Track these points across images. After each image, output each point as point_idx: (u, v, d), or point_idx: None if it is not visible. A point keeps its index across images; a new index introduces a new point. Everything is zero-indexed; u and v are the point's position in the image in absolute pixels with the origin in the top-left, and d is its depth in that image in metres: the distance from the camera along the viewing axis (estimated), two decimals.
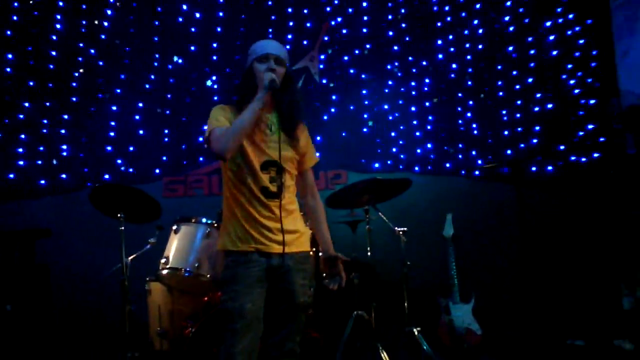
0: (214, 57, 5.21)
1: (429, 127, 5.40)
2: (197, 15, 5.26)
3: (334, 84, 5.37)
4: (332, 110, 5.33)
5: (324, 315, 4.82)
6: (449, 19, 5.49)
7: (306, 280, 2.58)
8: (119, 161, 5.04)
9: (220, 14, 5.29)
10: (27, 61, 4.99)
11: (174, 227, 3.63)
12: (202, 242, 3.53)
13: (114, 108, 5.08)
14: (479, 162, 5.36)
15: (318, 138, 5.27)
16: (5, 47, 4.97)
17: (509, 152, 5.35)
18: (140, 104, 5.10)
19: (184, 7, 5.25)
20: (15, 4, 5.01)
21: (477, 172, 5.33)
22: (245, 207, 2.52)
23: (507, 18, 5.42)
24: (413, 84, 5.42)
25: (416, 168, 5.36)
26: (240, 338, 2.36)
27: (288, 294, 2.51)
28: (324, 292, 4.27)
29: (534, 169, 5.36)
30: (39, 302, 4.66)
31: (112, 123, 5.06)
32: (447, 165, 5.40)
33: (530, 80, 5.42)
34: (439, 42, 5.47)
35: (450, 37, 5.47)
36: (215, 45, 5.24)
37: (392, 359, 3.78)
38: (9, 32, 4.99)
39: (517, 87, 5.42)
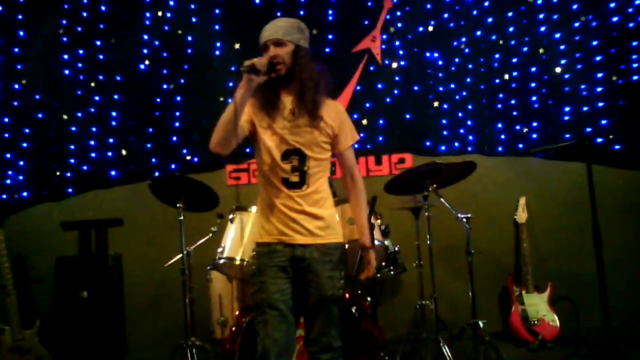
0: None
1: (499, 106, 5.09)
2: (257, 0, 5.22)
3: (397, 64, 5.16)
4: (395, 91, 5.13)
5: (384, 306, 4.70)
6: None
7: (335, 272, 2.49)
8: (184, 151, 5.12)
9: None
10: (96, 55, 5.15)
11: (230, 216, 3.63)
12: None
13: (178, 98, 5.15)
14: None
15: (381, 121, 5.11)
16: (76, 43, 5.15)
17: (589, 129, 4.96)
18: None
19: None
20: (84, 1, 5.17)
21: (552, 152, 4.98)
22: (270, 199, 2.48)
23: None
24: (481, 60, 5.12)
25: (486, 150, 5.08)
26: (273, 329, 2.33)
27: (315, 287, 2.45)
28: (383, 281, 4.16)
29: (617, 147, 4.94)
30: (112, 289, 4.87)
31: (177, 113, 5.14)
32: (520, 145, 5.08)
33: (613, 50, 4.98)
34: (509, 14, 5.11)
35: (522, 8, 5.11)
36: None
37: (456, 352, 3.62)
38: (79, 29, 5.17)
39: (598, 58, 4.99)
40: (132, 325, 5.02)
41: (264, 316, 2.36)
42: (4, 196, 5.03)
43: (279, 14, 5.17)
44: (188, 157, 5.11)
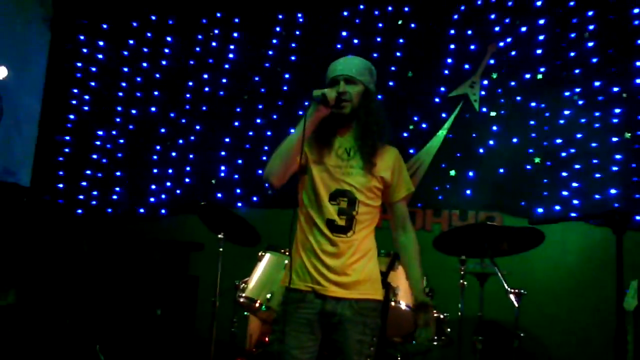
0: None
1: (614, 168, 4.35)
2: (356, 41, 5.15)
3: (496, 112, 4.69)
4: (491, 142, 4.66)
5: None
6: None
7: (366, 336, 2.22)
8: (267, 184, 5.15)
9: (378, 39, 5.09)
10: (202, 88, 5.47)
11: (259, 253, 3.53)
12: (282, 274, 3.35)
13: (269, 133, 5.24)
14: None
15: (470, 173, 4.66)
16: (187, 76, 5.53)
17: None
18: (292, 130, 5.16)
19: (344, 33, 5.19)
20: (199, 36, 5.55)
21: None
22: (308, 241, 2.30)
23: None
24: (597, 114, 4.44)
25: (593, 218, 4.34)
26: None
27: (340, 349, 2.21)
28: (425, 352, 3.71)
29: None
30: (185, 310, 5.02)
31: (266, 147, 5.22)
32: (638, 218, 4.26)
33: None
34: (638, 63, 4.38)
35: None
36: None
37: None
38: (192, 62, 5.55)
39: None
40: (197, 346, 5.09)
41: None
42: (109, 210, 5.52)
43: (375, 55, 5.06)
44: (270, 192, 5.14)
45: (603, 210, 4.15)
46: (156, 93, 5.59)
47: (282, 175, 2.31)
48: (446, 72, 4.86)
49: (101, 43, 5.77)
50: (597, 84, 4.48)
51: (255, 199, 5.17)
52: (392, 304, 3.15)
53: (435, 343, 3.45)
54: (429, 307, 2.33)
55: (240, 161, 5.29)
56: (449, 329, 3.48)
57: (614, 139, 4.38)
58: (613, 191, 4.32)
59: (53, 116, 5.76)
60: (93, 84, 5.76)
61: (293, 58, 5.30)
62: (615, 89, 4.42)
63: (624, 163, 4.35)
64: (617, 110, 4.40)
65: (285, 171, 2.30)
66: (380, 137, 2.39)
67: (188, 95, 5.51)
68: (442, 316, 3.46)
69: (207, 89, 5.47)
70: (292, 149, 2.25)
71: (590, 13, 4.56)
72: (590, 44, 4.53)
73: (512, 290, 3.09)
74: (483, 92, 4.74)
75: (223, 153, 5.34)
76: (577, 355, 4.20)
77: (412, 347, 3.58)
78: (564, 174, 4.46)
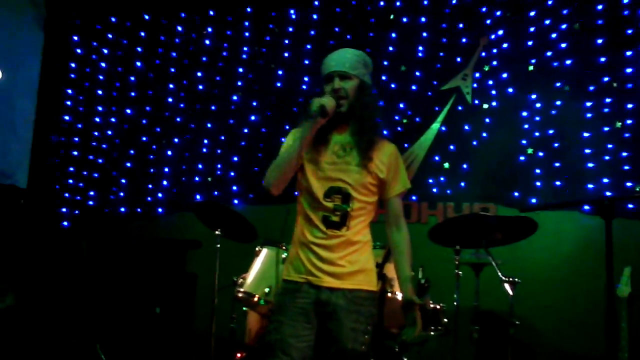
0: None
1: (606, 158, 4.39)
2: (349, 36, 5.18)
3: (489, 105, 4.73)
4: (484, 134, 4.70)
5: None
6: None
7: (360, 324, 2.28)
8: (263, 182, 5.18)
9: (371, 34, 5.13)
10: (196, 86, 5.49)
11: (257, 249, 3.56)
12: (281, 269, 3.39)
13: (263, 130, 5.27)
14: None
15: (464, 165, 4.70)
16: (181, 74, 5.54)
17: None
18: (287, 127, 5.20)
19: (337, 29, 5.21)
20: (193, 35, 5.57)
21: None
22: (305, 236, 2.36)
23: None
24: (588, 104, 4.48)
25: (586, 207, 4.39)
26: None
27: (334, 337, 2.26)
28: (421, 343, 3.75)
29: None
30: (184, 308, 5.06)
31: (261, 145, 5.25)
32: (630, 206, 4.31)
33: None
34: (628, 53, 4.43)
35: None
36: None
37: None
38: (186, 61, 5.57)
39: None
40: (199, 343, 5.13)
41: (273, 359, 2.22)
42: (106, 210, 5.54)
43: (368, 49, 5.06)
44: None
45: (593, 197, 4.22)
46: (150, 92, 5.60)
47: (280, 185, 2.35)
48: (438, 65, 4.89)
49: (95, 43, 5.78)
50: (587, 73, 4.51)
51: (251, 195, 5.20)
52: (389, 295, 3.20)
53: (432, 333, 3.49)
54: (415, 306, 2.35)
55: (235, 158, 5.32)
56: (445, 319, 3.53)
57: (605, 129, 4.42)
58: (605, 180, 4.36)
59: (48, 117, 5.77)
60: (87, 84, 5.77)
61: (286, 54, 5.32)
62: (606, 79, 4.47)
63: (615, 152, 4.39)
64: (608, 100, 4.44)
65: (283, 181, 2.34)
66: (377, 130, 2.43)
67: (182, 94, 5.53)
68: (438, 307, 3.51)
69: (201, 87, 5.49)
70: (291, 162, 2.30)
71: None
72: (581, 35, 4.56)
73: (507, 279, 3.13)
74: (475, 85, 4.78)
75: (219, 151, 5.36)
76: (572, 343, 4.26)
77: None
78: (557, 164, 4.50)
